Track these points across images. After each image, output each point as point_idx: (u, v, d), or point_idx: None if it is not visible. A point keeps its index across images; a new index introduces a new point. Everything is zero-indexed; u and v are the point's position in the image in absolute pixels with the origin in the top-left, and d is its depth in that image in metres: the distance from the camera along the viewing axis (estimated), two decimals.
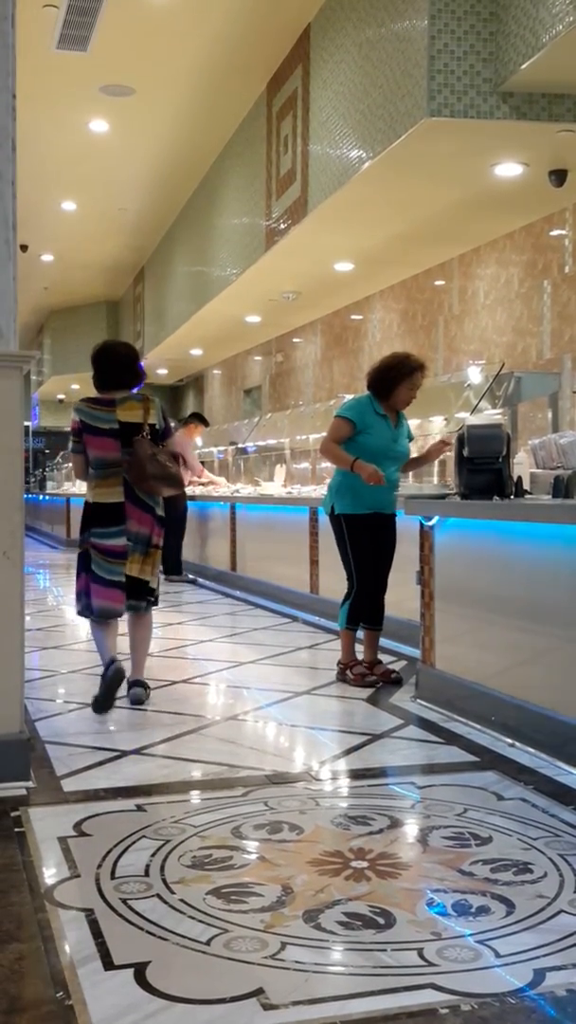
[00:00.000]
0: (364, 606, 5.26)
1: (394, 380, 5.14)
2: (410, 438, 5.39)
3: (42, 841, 2.93)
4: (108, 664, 4.51)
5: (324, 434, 5.43)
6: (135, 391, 4.66)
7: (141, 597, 4.62)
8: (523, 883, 2.62)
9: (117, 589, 4.54)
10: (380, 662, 5.33)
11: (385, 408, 5.19)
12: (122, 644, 4.86)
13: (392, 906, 2.47)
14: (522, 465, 4.65)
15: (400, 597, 6.32)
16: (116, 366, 4.64)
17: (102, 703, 4.51)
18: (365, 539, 5.19)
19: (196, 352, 17.46)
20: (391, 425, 5.20)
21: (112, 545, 4.53)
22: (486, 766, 3.72)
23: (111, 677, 4.48)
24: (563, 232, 8.43)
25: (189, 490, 10.79)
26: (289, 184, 9.41)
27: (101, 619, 4.61)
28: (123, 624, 4.80)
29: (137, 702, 4.67)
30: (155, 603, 4.71)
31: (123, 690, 4.62)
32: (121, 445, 4.53)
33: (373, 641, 5.35)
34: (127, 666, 4.66)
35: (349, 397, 5.24)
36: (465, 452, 4.34)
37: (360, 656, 5.34)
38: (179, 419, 22.02)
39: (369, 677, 5.16)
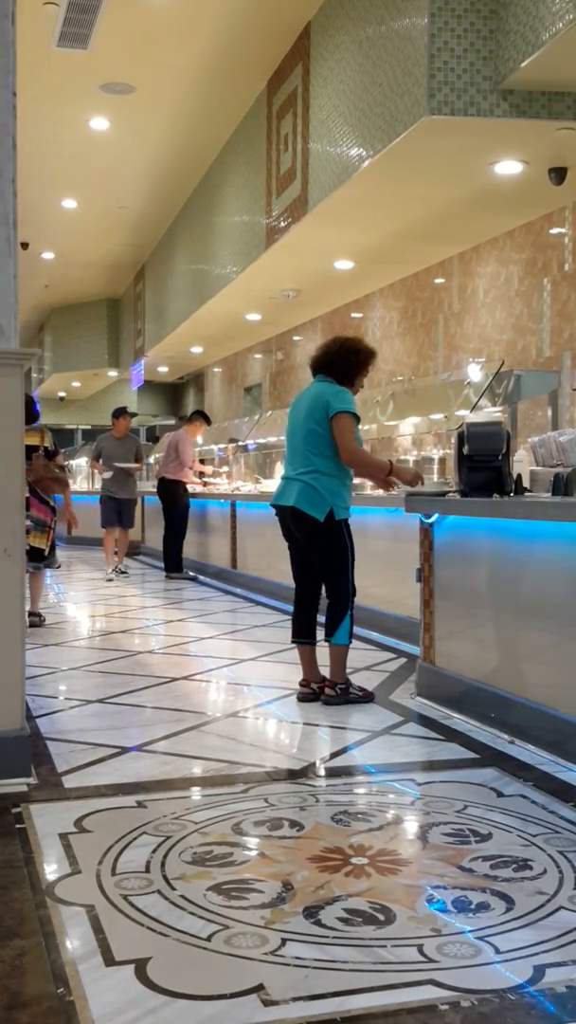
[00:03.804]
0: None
1: (365, 365, 4.82)
2: None
3: (43, 837, 2.94)
4: None
5: None
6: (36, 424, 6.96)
7: (38, 560, 6.88)
8: (523, 879, 2.63)
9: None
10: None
11: None
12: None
13: (392, 902, 2.48)
14: (522, 463, 4.65)
15: (400, 595, 6.33)
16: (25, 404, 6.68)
17: None
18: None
19: (196, 350, 17.46)
20: None
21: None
22: (486, 763, 3.73)
23: None
24: (563, 230, 8.43)
25: (190, 488, 10.80)
26: (289, 182, 9.41)
27: None
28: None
29: (36, 626, 6.91)
30: (49, 565, 7.13)
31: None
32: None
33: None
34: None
35: (337, 390, 4.70)
36: (465, 450, 4.34)
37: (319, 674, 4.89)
38: (180, 416, 21.91)
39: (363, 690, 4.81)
